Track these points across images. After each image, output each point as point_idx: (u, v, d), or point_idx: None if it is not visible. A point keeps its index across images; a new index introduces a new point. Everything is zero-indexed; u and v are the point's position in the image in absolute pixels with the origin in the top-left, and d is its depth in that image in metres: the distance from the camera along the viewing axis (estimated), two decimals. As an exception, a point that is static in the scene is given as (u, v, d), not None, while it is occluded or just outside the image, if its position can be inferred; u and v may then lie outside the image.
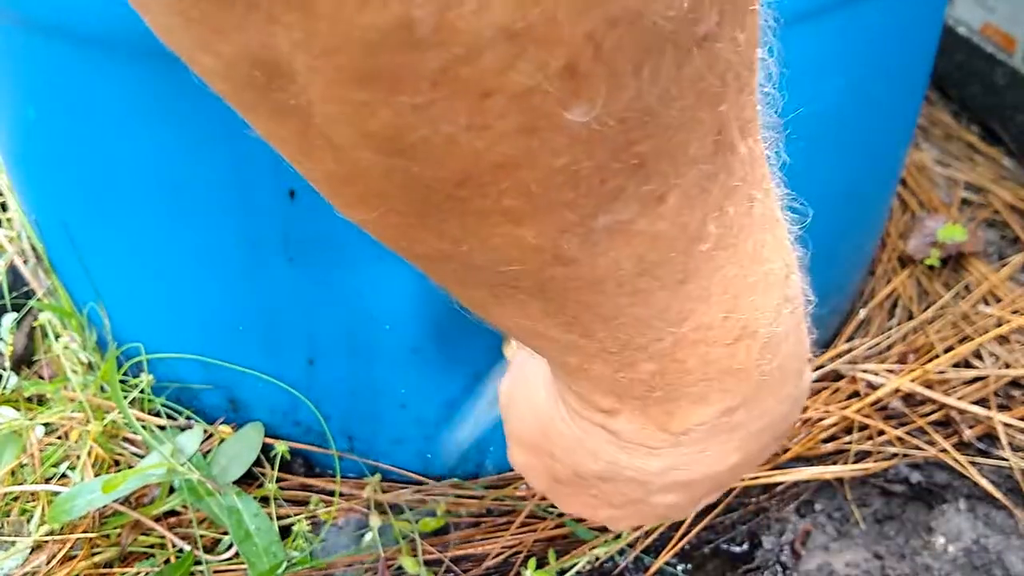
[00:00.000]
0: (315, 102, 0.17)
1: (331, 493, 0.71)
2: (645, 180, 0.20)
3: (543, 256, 0.21)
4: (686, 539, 0.69)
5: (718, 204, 0.22)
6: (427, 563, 0.67)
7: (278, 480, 0.72)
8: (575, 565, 0.67)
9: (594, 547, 0.68)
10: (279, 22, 0.15)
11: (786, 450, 0.74)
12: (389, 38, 0.15)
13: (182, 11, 0.16)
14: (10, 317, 0.81)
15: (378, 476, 0.72)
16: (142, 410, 0.73)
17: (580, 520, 0.70)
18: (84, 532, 0.67)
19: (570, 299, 0.23)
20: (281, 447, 0.70)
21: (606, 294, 0.23)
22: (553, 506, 0.71)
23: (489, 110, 0.16)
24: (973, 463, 0.74)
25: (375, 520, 0.68)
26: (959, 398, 0.77)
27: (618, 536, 0.68)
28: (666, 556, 0.68)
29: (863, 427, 0.76)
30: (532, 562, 0.66)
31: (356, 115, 0.17)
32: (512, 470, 0.73)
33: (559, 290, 0.23)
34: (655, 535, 0.69)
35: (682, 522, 0.70)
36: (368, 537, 0.68)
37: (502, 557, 0.68)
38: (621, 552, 0.68)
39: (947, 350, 0.81)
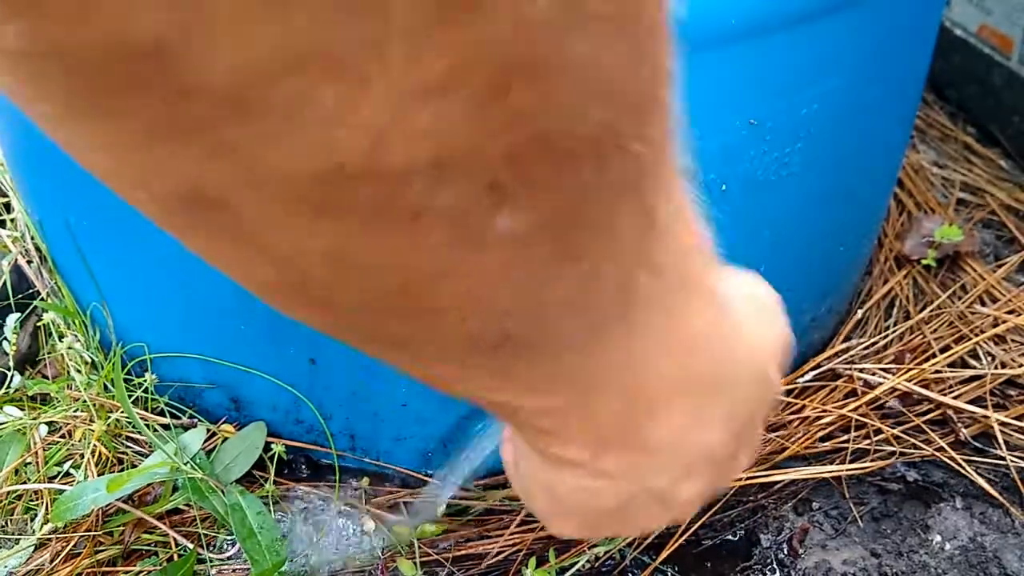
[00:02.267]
0: (258, 226, 0.18)
1: (331, 493, 0.72)
2: (580, 263, 0.21)
3: (488, 341, 0.22)
4: (684, 537, 0.69)
5: (656, 272, 0.24)
6: (427, 563, 0.68)
7: (280, 479, 0.73)
8: (575, 564, 0.67)
9: (594, 546, 0.68)
10: (211, 161, 0.16)
11: (783, 449, 0.75)
12: (321, 177, 0.16)
13: (109, 147, 0.17)
14: (14, 317, 0.81)
15: (366, 480, 0.72)
16: (145, 409, 0.73)
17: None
18: (87, 530, 0.67)
19: (525, 371, 0.24)
20: (278, 447, 0.71)
21: (563, 361, 0.24)
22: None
23: (420, 229, 0.17)
24: (969, 462, 0.74)
25: (369, 523, 0.68)
26: (956, 397, 0.77)
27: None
28: (665, 554, 0.68)
29: (860, 426, 0.76)
30: (532, 561, 0.66)
31: (299, 239, 0.18)
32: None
33: (512, 365, 0.24)
34: (655, 535, 0.69)
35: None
36: (366, 539, 0.69)
37: (502, 556, 0.68)
38: (621, 551, 0.68)
39: (944, 350, 0.81)
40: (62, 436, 0.73)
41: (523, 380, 0.25)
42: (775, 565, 0.68)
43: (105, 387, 0.74)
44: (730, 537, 0.70)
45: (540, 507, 0.36)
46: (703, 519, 0.70)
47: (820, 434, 0.76)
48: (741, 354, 0.31)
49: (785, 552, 0.69)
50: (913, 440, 0.76)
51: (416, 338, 0.22)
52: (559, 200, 0.18)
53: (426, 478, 0.73)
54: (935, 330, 0.84)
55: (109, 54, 0.14)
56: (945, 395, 0.78)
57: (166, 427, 0.72)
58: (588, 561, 0.68)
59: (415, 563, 0.67)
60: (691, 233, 0.28)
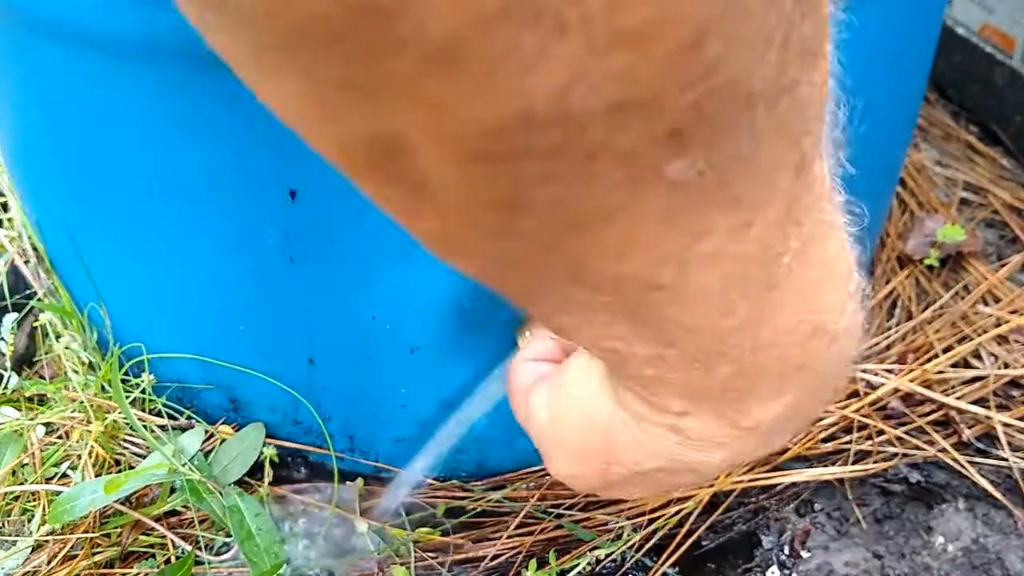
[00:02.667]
0: (432, 174, 0.18)
1: (329, 494, 0.71)
2: (736, 212, 0.21)
3: (638, 285, 0.22)
4: (686, 538, 0.69)
5: (797, 220, 0.24)
6: (423, 567, 0.67)
7: (278, 481, 0.72)
8: (576, 566, 0.67)
9: (595, 548, 0.68)
10: (404, 112, 0.16)
11: (785, 450, 0.74)
12: (509, 124, 0.16)
13: (311, 94, 0.17)
14: (11, 317, 0.81)
15: (360, 481, 0.72)
16: (143, 410, 0.73)
17: (579, 521, 0.70)
18: (85, 532, 0.67)
19: (659, 318, 0.25)
20: (269, 451, 0.70)
21: (695, 311, 0.24)
22: (552, 507, 0.71)
23: (595, 169, 0.18)
24: (972, 463, 0.74)
25: (361, 525, 0.68)
26: (958, 398, 0.77)
27: (619, 537, 0.68)
28: (666, 556, 0.68)
29: (862, 427, 0.76)
30: (533, 563, 0.66)
31: (473, 185, 0.18)
32: (512, 471, 0.73)
33: (650, 311, 0.24)
34: (657, 536, 0.69)
35: (683, 522, 0.70)
36: (363, 541, 0.69)
37: (502, 558, 0.68)
38: (622, 552, 0.68)
39: (946, 350, 0.81)
40: (59, 437, 0.73)
41: (652, 328, 0.25)
42: (776, 567, 0.68)
43: (102, 388, 0.74)
44: (732, 538, 0.70)
45: (564, 439, 0.36)
46: (706, 522, 0.70)
47: (822, 435, 0.76)
48: (843, 342, 0.31)
49: (787, 553, 0.69)
50: (916, 441, 0.75)
51: (567, 280, 0.22)
52: (731, 146, 0.19)
53: (425, 478, 0.73)
54: (938, 330, 0.83)
55: (337, 7, 0.14)
56: (948, 396, 0.77)
57: (164, 428, 0.72)
58: (589, 564, 0.67)
59: (410, 568, 0.67)
60: (834, 201, 0.29)
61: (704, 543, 0.70)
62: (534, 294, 0.24)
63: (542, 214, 0.19)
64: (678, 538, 0.69)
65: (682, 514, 0.70)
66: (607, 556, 0.67)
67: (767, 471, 0.73)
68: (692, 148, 0.18)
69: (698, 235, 0.21)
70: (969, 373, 0.79)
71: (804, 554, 0.69)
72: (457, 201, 0.19)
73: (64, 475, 0.71)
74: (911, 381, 0.78)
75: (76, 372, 0.75)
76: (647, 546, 0.68)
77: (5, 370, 0.78)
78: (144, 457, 0.71)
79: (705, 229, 0.21)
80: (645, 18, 0.15)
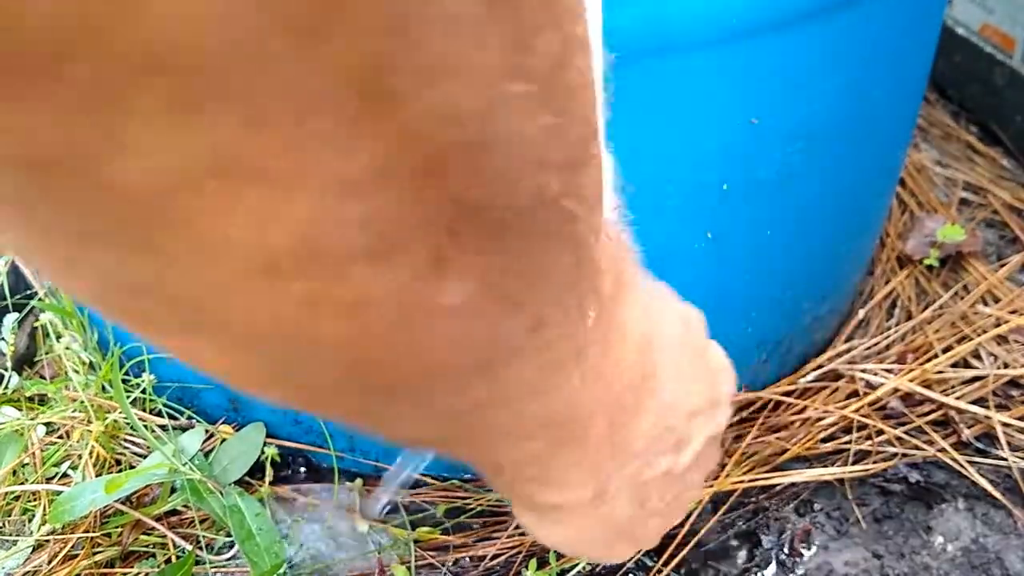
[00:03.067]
0: (191, 314, 0.18)
1: (330, 494, 0.71)
2: (523, 310, 0.21)
3: (456, 407, 0.23)
4: (690, 541, 0.69)
5: (585, 307, 0.24)
6: (426, 565, 0.67)
7: (278, 481, 0.72)
8: (576, 566, 0.67)
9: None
10: (140, 260, 0.16)
11: (785, 451, 0.74)
12: (255, 275, 0.16)
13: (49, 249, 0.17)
14: (12, 317, 0.81)
15: (359, 481, 0.72)
16: (144, 410, 0.73)
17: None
18: (85, 531, 0.67)
19: (496, 423, 0.25)
20: (271, 451, 0.70)
21: (525, 405, 0.25)
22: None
23: (365, 314, 0.17)
24: (972, 463, 0.74)
25: (362, 525, 0.68)
26: (958, 398, 0.77)
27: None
28: (667, 556, 0.68)
29: (862, 427, 0.76)
30: (533, 563, 0.66)
31: (233, 328, 0.18)
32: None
33: (481, 421, 0.24)
34: (655, 534, 0.69)
35: (684, 522, 0.70)
36: (363, 541, 0.69)
37: (502, 557, 0.68)
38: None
39: (946, 350, 0.81)
40: (60, 437, 0.73)
41: (498, 434, 0.25)
42: (776, 566, 0.68)
43: (103, 388, 0.74)
44: (732, 539, 0.70)
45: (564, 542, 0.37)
46: (707, 523, 0.70)
47: (822, 435, 0.76)
48: (672, 373, 0.32)
49: (787, 553, 0.69)
50: (915, 441, 0.75)
51: (383, 412, 0.22)
52: (501, 260, 0.19)
53: (426, 477, 0.73)
54: (937, 330, 0.84)
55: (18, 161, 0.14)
56: (947, 396, 0.77)
57: (164, 428, 0.72)
58: (588, 564, 0.67)
59: (410, 568, 0.67)
60: (619, 261, 0.29)
61: (704, 543, 0.70)
62: (361, 421, 0.25)
63: (319, 360, 0.19)
64: (679, 538, 0.69)
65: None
66: (607, 556, 0.67)
67: (767, 471, 0.73)
68: (460, 271, 0.18)
69: (495, 344, 0.21)
70: (969, 373, 0.79)
71: (804, 553, 0.69)
72: (227, 343, 0.19)
73: (65, 475, 0.71)
74: (911, 381, 0.78)
75: (77, 372, 0.75)
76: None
77: (6, 370, 0.78)
78: (144, 457, 0.71)
79: (500, 336, 0.21)
80: (373, 161, 0.15)
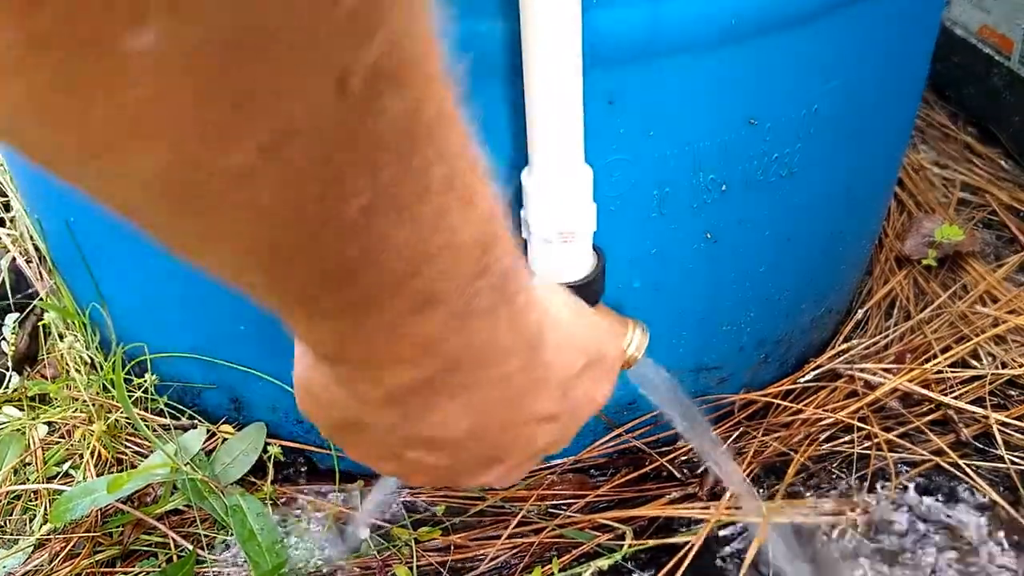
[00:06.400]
0: None
1: (331, 494, 0.72)
2: (255, 118, 0.19)
3: (167, 202, 0.21)
4: (695, 547, 0.69)
5: (364, 154, 0.22)
6: (426, 566, 0.68)
7: (279, 480, 0.72)
8: (576, 567, 0.67)
9: (597, 556, 0.68)
10: None
11: (785, 452, 0.75)
12: None
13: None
14: (13, 317, 0.81)
15: (360, 482, 0.72)
16: (145, 410, 0.73)
17: (578, 523, 0.70)
18: (86, 531, 0.67)
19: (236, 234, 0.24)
20: (274, 450, 0.70)
21: (256, 238, 0.23)
22: (551, 510, 0.71)
23: (39, 23, 0.16)
24: (970, 462, 0.74)
25: (363, 530, 0.68)
26: (956, 397, 0.77)
27: (620, 545, 0.69)
28: (669, 566, 0.68)
29: (861, 427, 0.76)
30: (538, 570, 0.66)
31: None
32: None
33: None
34: (657, 541, 0.69)
35: (684, 526, 0.70)
36: (363, 542, 0.69)
37: (502, 558, 0.68)
38: (626, 569, 0.68)
39: (944, 350, 0.81)
40: (61, 436, 0.73)
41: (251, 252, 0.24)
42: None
43: (104, 387, 0.74)
44: (733, 542, 0.70)
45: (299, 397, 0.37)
46: (707, 526, 0.70)
47: (821, 435, 0.76)
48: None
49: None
50: (913, 441, 0.76)
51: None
52: (234, 19, 0.18)
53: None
54: (936, 330, 0.84)
55: None
56: (946, 395, 0.77)
57: (166, 428, 0.72)
58: (592, 575, 0.67)
59: (411, 567, 0.67)
60: (454, 158, 0.26)
61: (707, 547, 0.70)
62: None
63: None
64: (682, 544, 0.69)
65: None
66: (610, 568, 0.68)
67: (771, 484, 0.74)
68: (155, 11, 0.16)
69: (218, 138, 0.20)
70: (967, 373, 0.80)
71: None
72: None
73: (66, 474, 0.71)
74: (909, 381, 0.78)
75: (78, 372, 0.75)
76: (645, 560, 0.69)
77: (7, 370, 0.79)
78: (146, 456, 0.71)
79: (228, 135, 0.20)
80: None
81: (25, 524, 0.70)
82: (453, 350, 0.30)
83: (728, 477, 0.70)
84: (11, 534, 0.69)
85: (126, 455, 0.72)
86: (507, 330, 0.31)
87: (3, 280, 0.82)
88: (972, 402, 0.77)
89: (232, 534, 0.66)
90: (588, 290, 0.53)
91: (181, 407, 0.74)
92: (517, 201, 0.51)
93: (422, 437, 0.34)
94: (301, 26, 0.18)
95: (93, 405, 0.73)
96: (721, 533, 0.70)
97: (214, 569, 0.67)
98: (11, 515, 0.70)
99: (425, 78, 0.22)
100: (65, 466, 0.72)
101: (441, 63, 0.23)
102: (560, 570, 0.67)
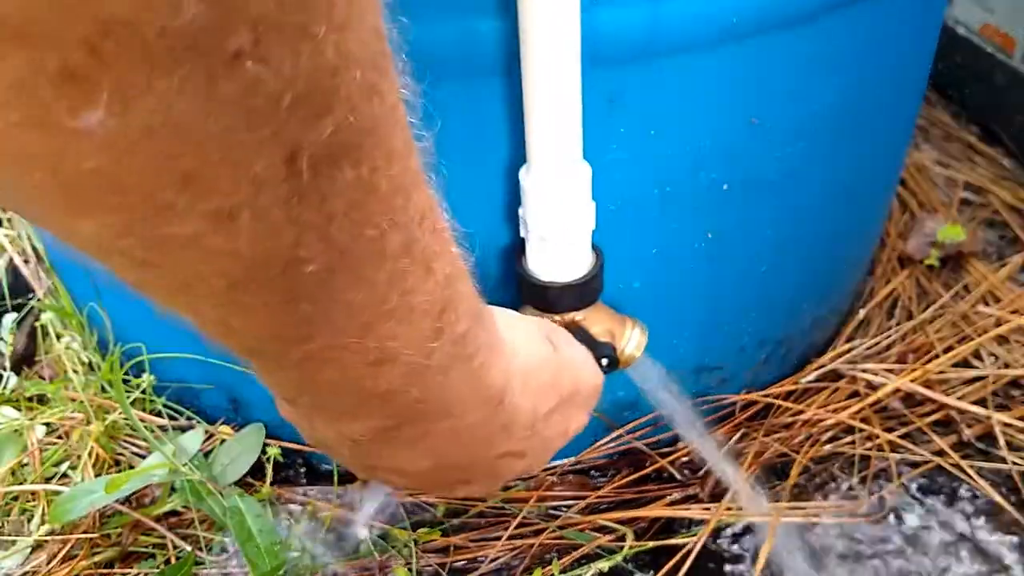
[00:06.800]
0: None
1: (329, 495, 0.71)
2: (201, 196, 0.19)
3: (123, 258, 0.21)
4: (696, 549, 0.69)
5: (315, 224, 0.22)
6: (425, 568, 0.67)
7: (278, 482, 0.72)
8: (578, 570, 0.67)
9: (598, 558, 0.68)
10: None
11: (785, 453, 0.74)
12: None
13: None
14: (11, 317, 0.81)
15: (359, 482, 0.72)
16: (143, 410, 0.73)
17: (578, 524, 0.70)
18: (85, 532, 0.67)
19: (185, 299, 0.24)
20: (273, 451, 0.70)
21: (201, 303, 0.23)
22: (552, 511, 0.71)
23: None
24: (972, 463, 0.74)
25: (363, 531, 0.68)
26: (958, 398, 0.77)
27: (621, 547, 0.68)
28: (670, 565, 0.68)
29: (863, 428, 0.76)
30: (538, 572, 0.66)
31: None
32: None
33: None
34: (658, 543, 0.69)
35: (685, 527, 0.70)
36: (363, 543, 0.68)
37: (502, 559, 0.68)
38: (626, 570, 0.68)
39: (946, 350, 0.81)
40: (59, 437, 0.73)
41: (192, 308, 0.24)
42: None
43: (102, 388, 0.74)
44: (734, 545, 0.70)
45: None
46: (708, 527, 0.70)
47: (823, 436, 0.76)
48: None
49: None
50: (915, 441, 0.75)
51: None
52: (159, 110, 0.18)
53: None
54: (938, 330, 0.83)
55: None
56: (948, 396, 0.77)
57: (164, 428, 0.72)
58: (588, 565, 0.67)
59: (411, 568, 0.66)
60: (415, 222, 0.27)
61: (708, 548, 0.69)
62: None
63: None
64: (684, 547, 0.69)
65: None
66: (611, 571, 0.67)
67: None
68: (94, 97, 0.16)
69: (156, 213, 0.20)
70: (969, 373, 0.79)
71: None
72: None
73: (64, 475, 0.71)
74: (912, 381, 0.78)
75: (76, 372, 0.75)
76: (644, 562, 0.68)
77: (5, 370, 0.78)
78: (144, 457, 0.71)
79: (162, 209, 0.19)
80: None
81: (23, 525, 0.69)
82: (409, 404, 0.30)
83: (729, 478, 0.70)
84: (9, 535, 0.69)
85: (124, 456, 0.72)
86: (465, 386, 0.32)
87: (1, 280, 0.81)
88: (974, 403, 0.77)
89: (231, 535, 0.66)
90: (587, 288, 0.53)
91: (179, 408, 0.74)
92: (516, 199, 0.51)
93: (386, 467, 0.35)
94: (249, 111, 0.18)
95: (91, 406, 0.72)
96: (722, 534, 0.70)
97: (213, 570, 0.67)
98: (9, 516, 0.70)
99: (381, 149, 0.22)
100: (63, 467, 0.72)
101: (402, 130, 0.23)
102: (560, 571, 0.66)
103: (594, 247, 0.53)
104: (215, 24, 0.16)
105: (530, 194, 0.49)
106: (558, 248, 0.51)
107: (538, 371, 0.39)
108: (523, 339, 0.39)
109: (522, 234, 0.52)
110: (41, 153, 0.17)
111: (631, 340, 0.55)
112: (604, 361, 0.53)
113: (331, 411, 0.31)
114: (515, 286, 0.54)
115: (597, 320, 0.54)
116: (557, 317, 0.53)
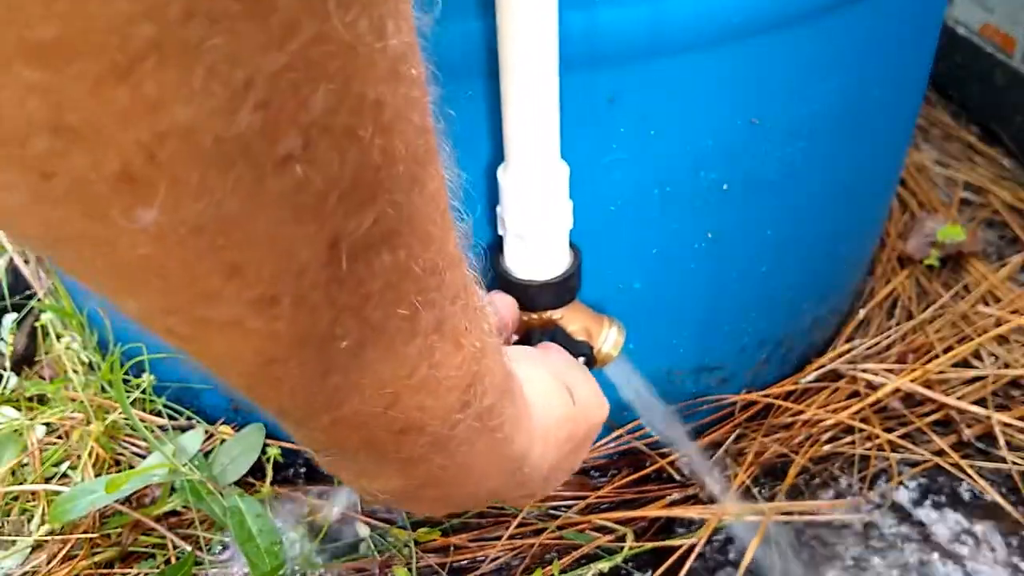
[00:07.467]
0: None
1: (329, 495, 0.71)
2: (247, 285, 0.20)
3: (166, 332, 0.22)
4: (696, 549, 0.69)
5: (352, 305, 0.23)
6: (425, 568, 0.67)
7: (278, 481, 0.72)
8: (578, 570, 0.67)
9: (598, 559, 0.68)
10: None
11: (784, 453, 0.74)
12: None
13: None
14: (11, 317, 0.81)
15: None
16: (143, 410, 0.73)
17: (578, 524, 0.70)
18: (85, 532, 0.67)
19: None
20: (273, 451, 0.70)
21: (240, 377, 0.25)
22: (552, 511, 0.71)
23: (52, 189, 0.17)
24: (972, 463, 0.74)
25: (363, 530, 0.68)
26: (958, 398, 0.77)
27: (620, 547, 0.68)
28: (669, 563, 0.68)
29: (863, 428, 0.76)
30: (538, 572, 0.66)
31: None
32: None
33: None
34: (658, 543, 0.69)
35: (685, 527, 0.70)
36: (363, 543, 0.68)
37: (502, 559, 0.68)
38: (626, 571, 0.68)
39: (946, 350, 0.81)
40: (59, 437, 0.73)
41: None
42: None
43: (102, 388, 0.74)
44: (735, 544, 0.70)
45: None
46: (708, 529, 0.70)
47: (823, 436, 0.76)
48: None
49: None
50: (915, 441, 0.75)
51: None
52: (210, 208, 0.19)
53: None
54: (938, 330, 0.83)
55: None
56: (948, 396, 0.77)
57: (164, 428, 0.72)
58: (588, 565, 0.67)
59: (411, 569, 0.66)
60: (447, 301, 0.28)
61: (709, 548, 0.69)
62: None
63: (5, 221, 0.19)
64: (684, 547, 0.69)
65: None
66: (611, 571, 0.67)
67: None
68: (149, 196, 0.17)
69: (198, 299, 0.21)
70: (969, 373, 0.79)
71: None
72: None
73: (64, 475, 0.71)
74: (911, 381, 0.78)
75: (76, 372, 0.75)
76: (643, 562, 0.68)
77: (5, 370, 0.78)
78: (144, 457, 0.71)
79: (206, 295, 0.21)
80: None
81: (23, 525, 0.69)
82: (431, 471, 0.32)
83: (711, 482, 0.70)
84: (9, 535, 0.69)
85: (124, 456, 0.72)
86: (488, 456, 0.33)
87: (1, 280, 0.81)
88: (974, 402, 0.77)
89: (231, 535, 0.66)
90: (564, 287, 0.53)
91: (179, 408, 0.74)
92: (495, 198, 0.51)
93: (401, 507, 0.37)
94: (296, 208, 0.19)
95: (91, 406, 0.72)
96: (722, 535, 0.70)
97: (212, 570, 0.67)
98: (9, 516, 0.70)
99: (418, 235, 0.23)
100: (63, 467, 0.72)
101: (441, 215, 0.24)
102: (560, 572, 0.66)
103: (572, 246, 0.53)
104: (267, 130, 0.17)
105: (508, 192, 0.49)
106: (536, 247, 0.51)
107: (557, 429, 0.41)
108: (543, 397, 0.40)
109: (500, 232, 0.52)
110: (94, 239, 0.18)
111: (608, 339, 0.55)
112: (581, 360, 0.53)
113: (354, 469, 0.32)
114: (492, 284, 0.54)
115: (574, 319, 0.54)
116: (535, 315, 0.53)
